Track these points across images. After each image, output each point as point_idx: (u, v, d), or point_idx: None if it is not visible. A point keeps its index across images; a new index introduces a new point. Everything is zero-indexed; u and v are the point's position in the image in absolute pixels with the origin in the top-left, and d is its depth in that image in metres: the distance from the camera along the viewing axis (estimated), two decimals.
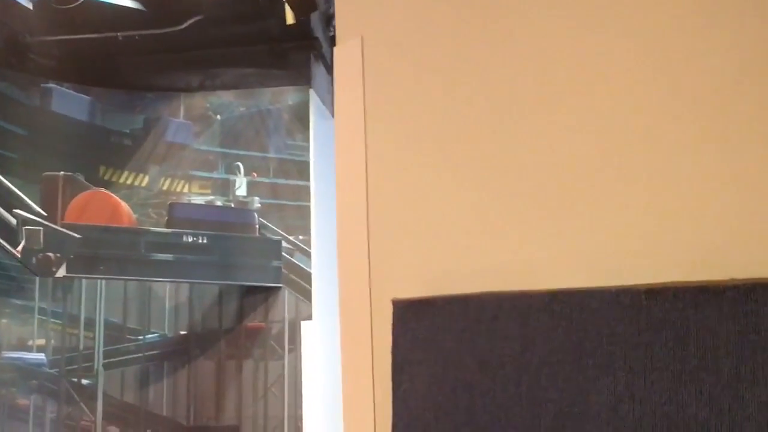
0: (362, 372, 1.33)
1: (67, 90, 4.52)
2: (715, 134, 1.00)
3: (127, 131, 4.67)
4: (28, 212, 4.13)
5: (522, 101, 1.21)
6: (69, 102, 4.53)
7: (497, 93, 1.23)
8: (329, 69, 5.19)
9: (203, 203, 4.64)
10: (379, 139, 1.37)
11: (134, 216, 4.49)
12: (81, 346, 4.46)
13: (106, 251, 4.25)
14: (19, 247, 4.05)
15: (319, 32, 4.82)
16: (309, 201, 4.59)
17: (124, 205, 4.43)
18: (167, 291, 4.58)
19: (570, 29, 1.16)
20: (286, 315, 4.52)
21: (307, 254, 4.52)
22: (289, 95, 4.75)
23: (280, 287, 4.52)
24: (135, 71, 4.67)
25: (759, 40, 1.00)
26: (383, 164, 1.36)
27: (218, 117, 4.78)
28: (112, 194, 4.42)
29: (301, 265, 4.54)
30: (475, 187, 1.23)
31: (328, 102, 5.16)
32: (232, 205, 4.65)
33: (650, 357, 0.98)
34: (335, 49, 1.46)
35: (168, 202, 4.58)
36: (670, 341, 0.96)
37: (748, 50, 1.01)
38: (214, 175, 4.73)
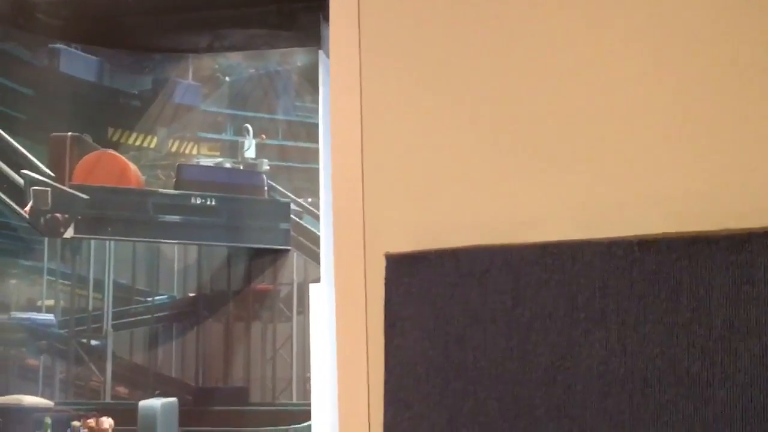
0: (356, 327, 1.31)
1: (75, 50, 4.50)
2: (706, 79, 0.98)
3: (136, 92, 4.64)
4: (35, 173, 4.13)
5: (515, 55, 1.18)
6: (77, 62, 4.51)
7: (492, 44, 1.21)
8: None
9: (212, 165, 4.63)
10: (374, 90, 1.34)
11: (142, 177, 4.48)
12: (90, 307, 4.47)
13: (114, 212, 4.25)
14: (27, 208, 4.05)
15: None
16: (318, 163, 4.57)
17: (132, 167, 4.41)
18: (176, 253, 4.57)
19: None
20: (295, 277, 4.51)
21: (316, 216, 4.51)
22: (298, 57, 4.72)
23: (288, 249, 4.51)
24: (143, 32, 4.64)
25: None
26: (378, 116, 1.33)
27: (227, 78, 4.75)
28: (120, 155, 4.41)
29: (310, 228, 4.52)
30: (467, 140, 1.21)
31: None
32: (241, 167, 4.63)
33: (643, 310, 0.96)
34: (331, 1, 1.43)
35: (176, 164, 4.56)
36: (662, 293, 0.94)
37: None
38: (223, 136, 4.71)
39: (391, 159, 1.30)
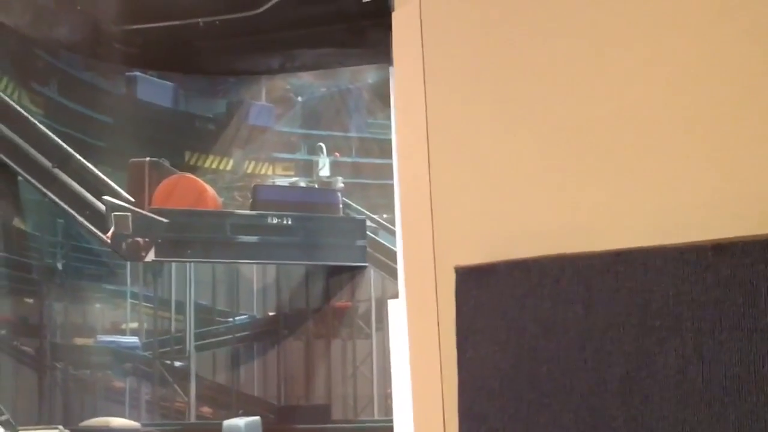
0: (428, 341, 1.30)
1: (151, 77, 4.59)
2: (757, 79, 0.95)
3: (211, 116, 4.72)
4: (116, 198, 4.21)
5: (579, 61, 1.16)
6: (153, 89, 4.61)
7: (555, 51, 1.19)
8: None
9: (287, 185, 4.67)
10: (439, 103, 1.34)
11: (219, 199, 4.54)
12: (173, 329, 4.55)
13: (193, 235, 4.31)
14: (109, 233, 4.14)
15: None
16: (391, 179, 4.58)
17: (210, 189, 4.48)
18: (254, 273, 4.62)
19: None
20: (373, 294, 4.52)
21: (392, 232, 4.51)
22: (368, 74, 4.74)
23: (365, 266, 4.53)
24: (216, 56, 4.71)
25: None
26: (444, 129, 1.33)
27: (299, 98, 4.80)
28: (197, 178, 4.48)
29: (386, 244, 4.53)
30: (534, 149, 1.19)
31: None
32: (316, 186, 4.67)
33: (719, 316, 0.93)
34: (393, 14, 1.43)
35: (252, 185, 4.62)
36: (739, 298, 0.91)
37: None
38: (297, 156, 4.75)
39: (458, 172, 1.29)
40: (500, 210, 1.23)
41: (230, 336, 4.57)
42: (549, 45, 1.19)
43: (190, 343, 4.52)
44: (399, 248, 4.37)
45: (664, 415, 0.96)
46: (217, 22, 4.56)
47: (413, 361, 1.32)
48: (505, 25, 1.26)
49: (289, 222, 4.45)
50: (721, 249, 0.93)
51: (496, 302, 1.16)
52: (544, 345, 1.09)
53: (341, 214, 4.60)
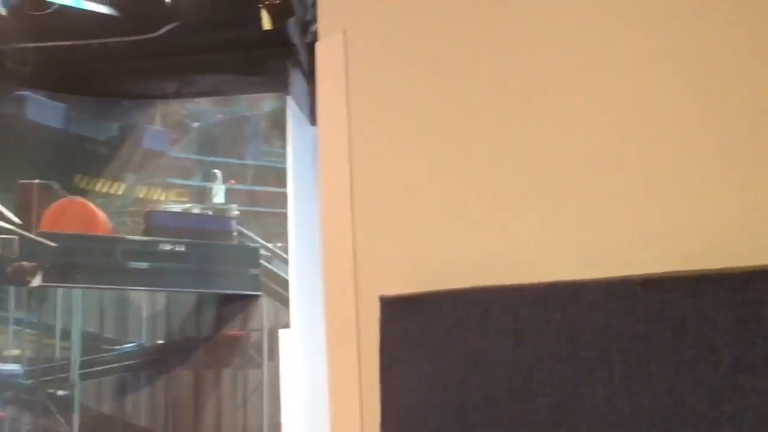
0: (348, 371, 1.30)
1: (42, 98, 4.47)
2: (711, 122, 0.99)
3: (103, 139, 4.61)
4: (2, 221, 4.07)
5: (509, 93, 1.19)
6: (43, 110, 4.48)
7: (484, 84, 1.21)
8: (306, 76, 5.16)
9: (181, 211, 4.59)
10: (363, 134, 1.34)
11: (110, 224, 4.44)
12: (57, 357, 4.40)
13: (82, 260, 4.19)
14: None
15: (296, 38, 4.79)
16: (286, 208, 4.56)
17: (100, 213, 4.37)
18: (144, 300, 4.52)
19: (562, 18, 1.14)
20: (265, 323, 4.48)
21: (285, 261, 4.49)
22: (266, 102, 4.72)
23: (258, 295, 4.48)
24: (110, 78, 4.62)
25: (757, 31, 0.99)
26: (367, 159, 1.33)
27: (195, 124, 4.74)
28: (88, 202, 4.37)
29: (280, 273, 4.50)
30: (461, 180, 1.21)
31: (306, 109, 5.13)
32: (210, 213, 4.61)
33: (647, 348, 0.96)
34: (317, 44, 1.44)
35: (145, 210, 4.53)
36: (667, 332, 0.94)
37: (746, 38, 0.99)
38: (192, 182, 4.68)
39: (383, 201, 1.30)
40: (427, 241, 1.24)
41: (117, 364, 4.45)
42: (479, 76, 1.22)
43: (75, 372, 4.38)
44: (292, 278, 4.35)
45: None
46: (112, 44, 4.48)
47: (332, 391, 1.32)
48: (433, 55, 1.28)
49: (182, 249, 4.37)
50: (650, 283, 0.96)
51: (422, 332, 1.17)
52: (471, 376, 1.10)
53: (235, 241, 4.55)
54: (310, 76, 5.18)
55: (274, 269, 4.54)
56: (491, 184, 1.17)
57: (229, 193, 4.63)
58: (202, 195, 4.64)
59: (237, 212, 4.58)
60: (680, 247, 0.98)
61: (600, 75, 1.09)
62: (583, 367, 1.00)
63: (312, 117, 5.22)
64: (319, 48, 1.43)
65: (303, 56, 5.01)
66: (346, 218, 1.34)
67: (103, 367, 4.45)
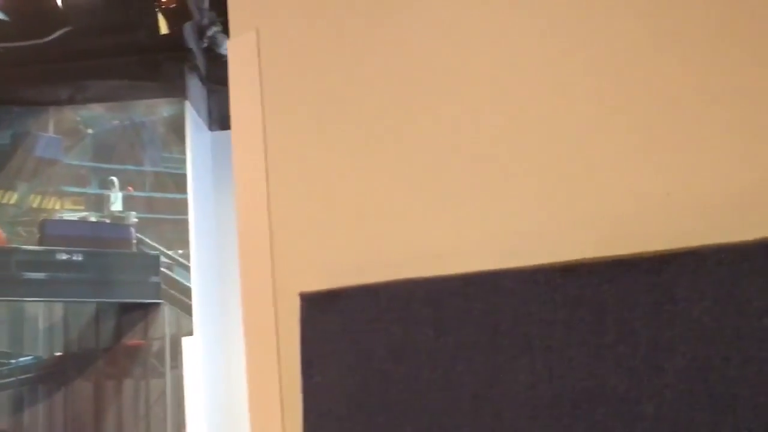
0: (268, 370, 1.30)
1: None
2: (622, 110, 1.02)
3: None
4: None
5: (419, 88, 1.20)
6: None
7: (398, 80, 1.23)
8: (203, 80, 5.12)
9: (77, 219, 4.49)
10: (277, 132, 1.34)
11: (3, 234, 4.31)
12: None
13: None
14: None
15: (192, 43, 4.75)
16: (187, 214, 4.51)
17: None
18: (41, 311, 4.41)
19: (472, 11, 1.16)
20: (167, 331, 4.41)
21: (187, 268, 4.43)
22: (163, 107, 4.66)
23: (159, 303, 4.42)
24: (1, 85, 4.50)
25: (662, 14, 1.02)
26: (283, 157, 1.33)
27: (90, 131, 4.65)
28: None
29: (181, 280, 4.44)
30: (377, 176, 1.22)
31: (204, 114, 5.08)
32: (107, 221, 4.52)
33: (567, 334, 0.98)
34: (228, 42, 1.43)
35: (39, 220, 4.41)
36: (587, 317, 0.97)
37: (653, 19, 1.03)
38: (88, 190, 4.59)
39: (298, 197, 1.30)
40: (345, 237, 1.24)
41: (13, 378, 4.32)
42: (394, 70, 1.23)
43: None
44: (195, 284, 4.31)
45: (516, 431, 1.01)
46: (2, 50, 4.37)
47: (251, 390, 1.31)
48: (346, 50, 1.29)
49: (80, 258, 4.29)
50: (568, 270, 0.99)
51: (343, 327, 1.17)
52: (393, 368, 1.11)
53: (134, 249, 4.47)
54: (206, 80, 5.14)
55: (176, 276, 4.48)
56: (407, 178, 1.18)
57: (127, 201, 4.55)
58: (98, 203, 4.55)
59: (135, 219, 4.51)
60: (596, 233, 1.01)
61: (510, 65, 1.11)
62: (505, 355, 1.02)
63: (210, 122, 5.18)
64: (231, 46, 1.42)
65: (200, 61, 4.97)
66: (263, 217, 1.34)
67: None
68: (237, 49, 1.42)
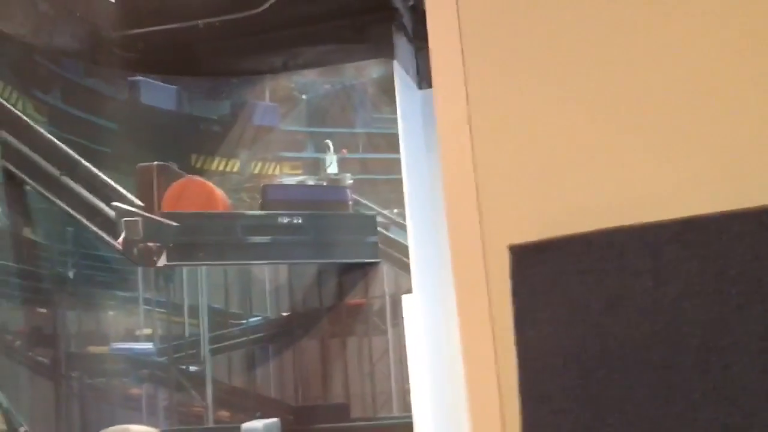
0: (480, 324, 1.27)
1: (154, 81, 4.55)
2: None
3: (215, 117, 4.68)
4: (125, 204, 4.18)
5: (634, 26, 1.13)
6: (156, 93, 4.57)
7: (606, 20, 1.16)
8: (411, 39, 5.12)
9: (295, 183, 4.63)
10: (479, 80, 1.30)
11: (229, 201, 4.50)
12: (186, 334, 4.50)
13: (204, 238, 4.28)
14: (120, 239, 4.10)
15: (398, 2, 4.76)
16: (400, 174, 4.54)
17: (219, 191, 4.44)
18: (266, 273, 4.58)
19: None
20: (386, 290, 4.48)
21: (403, 227, 4.47)
22: (372, 69, 4.71)
23: (378, 262, 4.49)
24: (218, 57, 4.68)
25: None
26: (486, 105, 1.29)
27: (304, 96, 4.76)
28: (206, 181, 4.44)
29: (398, 239, 4.49)
30: (586, 119, 1.16)
31: (412, 72, 5.09)
32: (324, 184, 4.63)
33: None
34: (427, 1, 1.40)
35: (261, 185, 4.58)
36: None
37: None
38: (304, 155, 4.72)
39: (504, 148, 1.26)
40: (552, 185, 1.19)
41: (245, 338, 4.53)
42: (597, 13, 1.16)
43: (205, 347, 4.48)
44: (411, 243, 4.34)
45: (747, 385, 0.93)
46: (217, 23, 4.53)
47: (465, 346, 1.29)
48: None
49: (300, 221, 4.41)
50: None
51: (555, 279, 1.13)
52: (610, 320, 1.06)
53: (351, 211, 4.56)
54: (414, 39, 5.15)
55: (392, 236, 4.54)
56: (616, 121, 1.12)
57: (342, 163, 4.64)
58: (315, 166, 4.66)
59: (351, 181, 4.59)
60: None
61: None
62: (733, 303, 0.94)
63: (419, 80, 5.19)
64: (429, 4, 1.39)
65: (407, 20, 4.98)
66: (468, 171, 1.31)
67: (232, 342, 4.54)
68: (435, 5, 1.38)
